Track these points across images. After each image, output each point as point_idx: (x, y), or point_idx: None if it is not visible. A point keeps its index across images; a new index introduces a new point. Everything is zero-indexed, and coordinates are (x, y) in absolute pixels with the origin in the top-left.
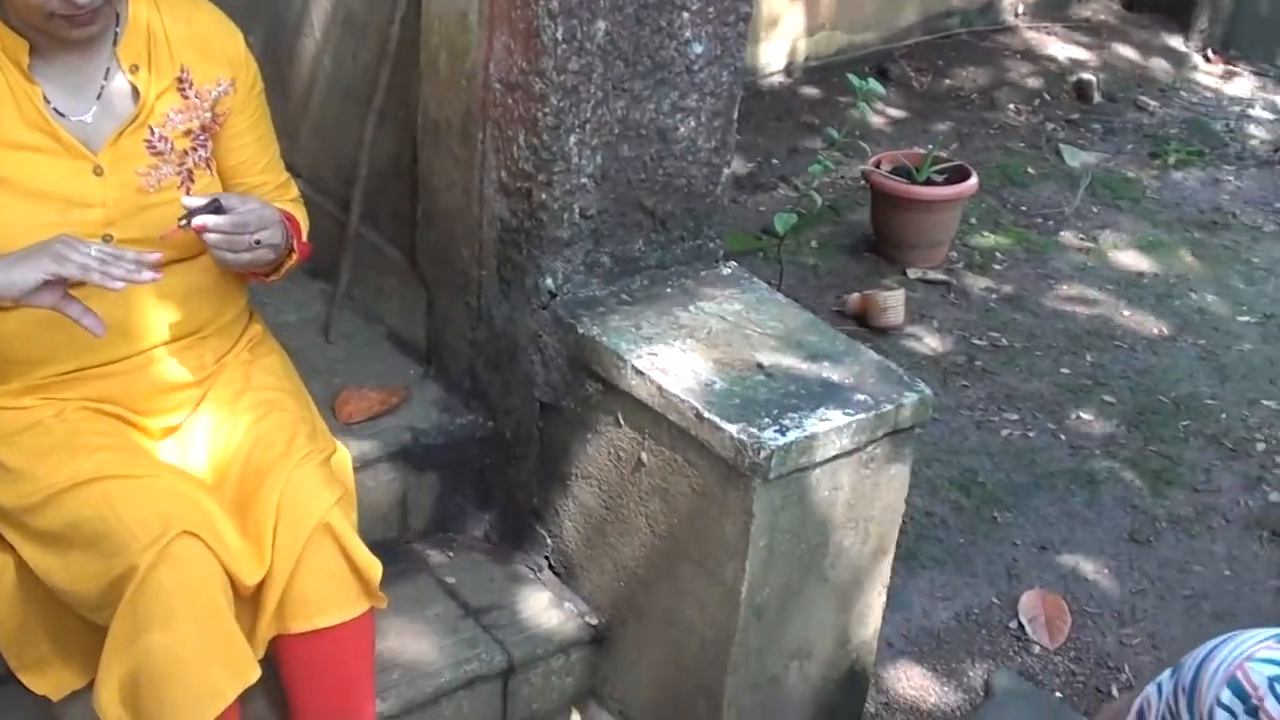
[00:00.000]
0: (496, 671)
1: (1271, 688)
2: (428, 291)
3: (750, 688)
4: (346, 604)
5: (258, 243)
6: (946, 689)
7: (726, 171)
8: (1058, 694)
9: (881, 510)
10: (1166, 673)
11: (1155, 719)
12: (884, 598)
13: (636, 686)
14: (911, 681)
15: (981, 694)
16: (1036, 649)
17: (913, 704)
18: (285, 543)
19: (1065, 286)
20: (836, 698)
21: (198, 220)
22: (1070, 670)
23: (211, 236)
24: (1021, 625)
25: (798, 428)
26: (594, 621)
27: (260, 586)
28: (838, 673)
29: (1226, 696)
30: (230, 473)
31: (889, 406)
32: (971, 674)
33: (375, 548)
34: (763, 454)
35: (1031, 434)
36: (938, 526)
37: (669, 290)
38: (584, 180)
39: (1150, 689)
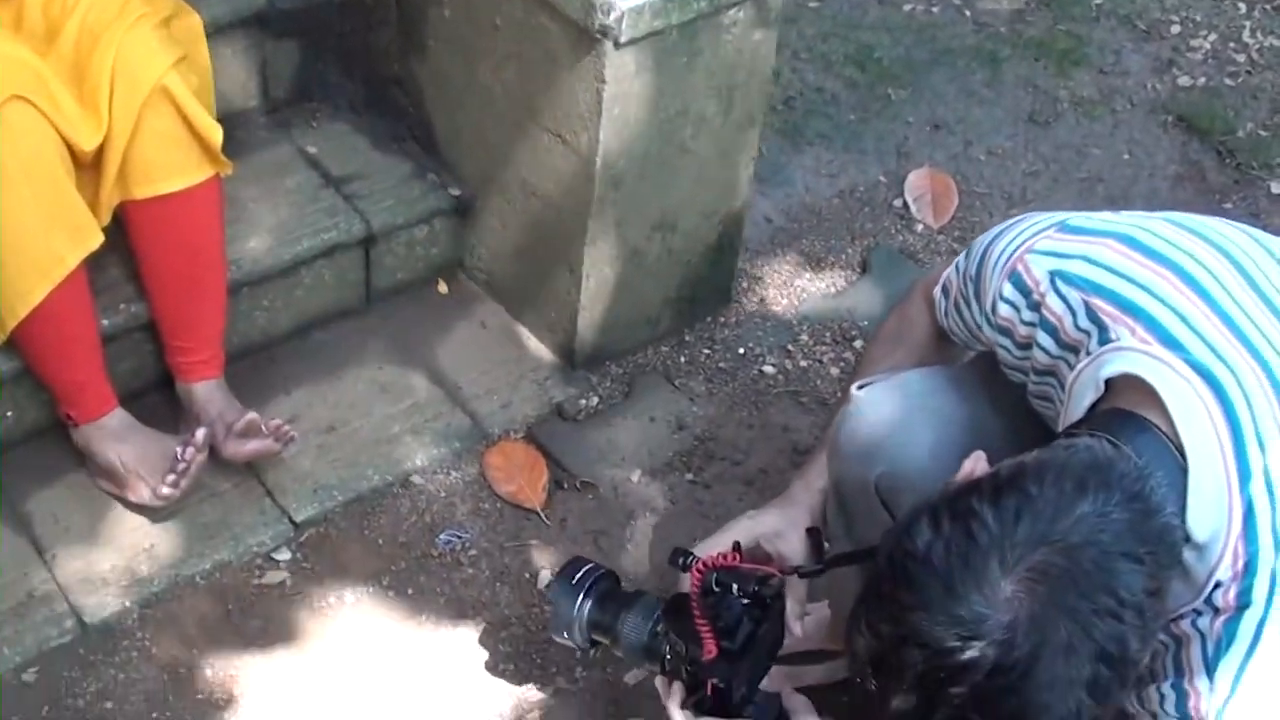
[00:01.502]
0: (356, 240)
1: (1052, 282)
2: None
3: (610, 260)
4: (188, 169)
5: None
6: (823, 265)
7: None
8: None
9: (747, 78)
10: (962, 254)
11: (953, 300)
12: (752, 170)
13: (500, 258)
14: (787, 258)
15: (859, 271)
16: (920, 228)
17: (786, 280)
18: (122, 106)
19: None
20: (702, 271)
21: None
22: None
23: None
24: (906, 204)
25: None
26: (456, 192)
27: (100, 153)
28: (703, 246)
29: (1009, 290)
30: (65, 37)
31: None
32: (850, 251)
33: (236, 117)
34: (613, 15)
35: (935, 9)
36: (829, 103)
37: None
38: None
39: (950, 269)
